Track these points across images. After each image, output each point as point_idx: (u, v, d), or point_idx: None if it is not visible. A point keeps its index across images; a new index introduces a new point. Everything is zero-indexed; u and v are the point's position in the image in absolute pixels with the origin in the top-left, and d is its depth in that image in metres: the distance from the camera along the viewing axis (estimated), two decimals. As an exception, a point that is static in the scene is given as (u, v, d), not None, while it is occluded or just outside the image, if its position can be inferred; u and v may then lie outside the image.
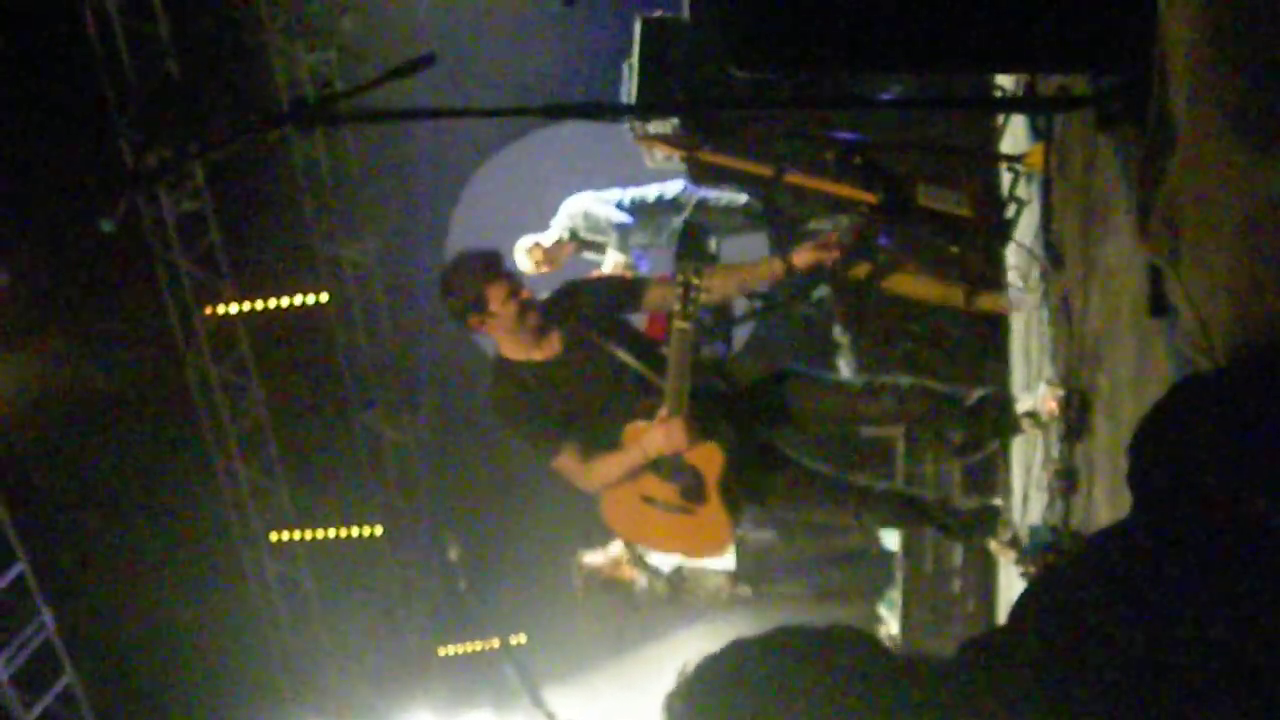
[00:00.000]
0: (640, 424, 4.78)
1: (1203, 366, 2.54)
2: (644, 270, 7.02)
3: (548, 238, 7.15)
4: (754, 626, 1.80)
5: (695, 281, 4.53)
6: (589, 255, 7.23)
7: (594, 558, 7.14)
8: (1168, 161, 2.61)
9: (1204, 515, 1.75)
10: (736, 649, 1.77)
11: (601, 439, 4.85)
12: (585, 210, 7.10)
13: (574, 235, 7.16)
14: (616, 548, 7.12)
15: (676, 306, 4.55)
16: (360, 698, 10.25)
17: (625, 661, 7.74)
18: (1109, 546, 1.81)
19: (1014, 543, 5.15)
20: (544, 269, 7.12)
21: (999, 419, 5.04)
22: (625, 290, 5.07)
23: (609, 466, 4.85)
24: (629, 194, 7.09)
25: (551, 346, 4.92)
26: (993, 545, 5.24)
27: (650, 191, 7.04)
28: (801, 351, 7.11)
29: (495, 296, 4.77)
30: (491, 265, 4.82)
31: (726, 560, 7.03)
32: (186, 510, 9.53)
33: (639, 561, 7.08)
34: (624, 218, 7.02)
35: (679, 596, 7.11)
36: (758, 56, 3.32)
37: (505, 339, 4.90)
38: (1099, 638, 1.66)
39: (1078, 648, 1.66)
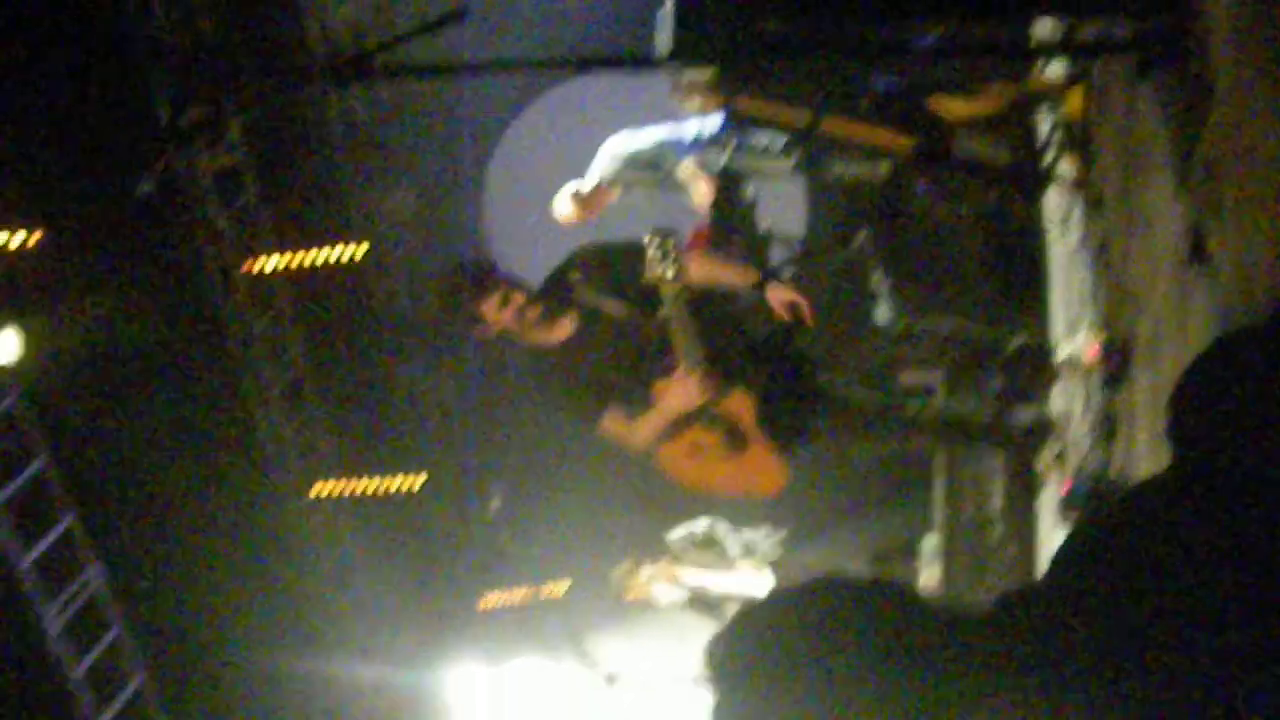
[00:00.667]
0: (665, 382, 4.90)
1: (1243, 320, 2.53)
2: None
3: (586, 184, 7.12)
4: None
5: (668, 244, 4.62)
6: (635, 196, 7.17)
7: (631, 576, 7.20)
8: (1210, 111, 2.59)
9: (1244, 471, 1.75)
10: (777, 599, 1.81)
11: (639, 399, 4.98)
12: (627, 150, 7.02)
13: (616, 178, 7.12)
14: (657, 571, 7.19)
15: (658, 270, 4.64)
16: (404, 647, 10.36)
17: (667, 609, 7.81)
18: (1148, 500, 1.82)
19: (1061, 458, 5.17)
20: (588, 215, 7.12)
21: (1037, 367, 5.08)
22: (624, 260, 5.12)
23: (646, 427, 5.00)
24: (666, 131, 7.02)
25: (565, 326, 5.04)
26: (1041, 463, 5.27)
27: (689, 129, 6.97)
28: (839, 299, 7.11)
29: (489, 309, 4.92)
30: (479, 280, 4.97)
31: (766, 585, 7.12)
32: (230, 463, 9.62)
33: (679, 586, 7.16)
34: (672, 136, 6.89)
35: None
36: (793, 5, 3.31)
37: (517, 333, 5.02)
38: (1137, 592, 1.67)
39: (1116, 601, 1.68)
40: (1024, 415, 5.36)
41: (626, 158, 7.01)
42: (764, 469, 5.21)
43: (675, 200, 6.99)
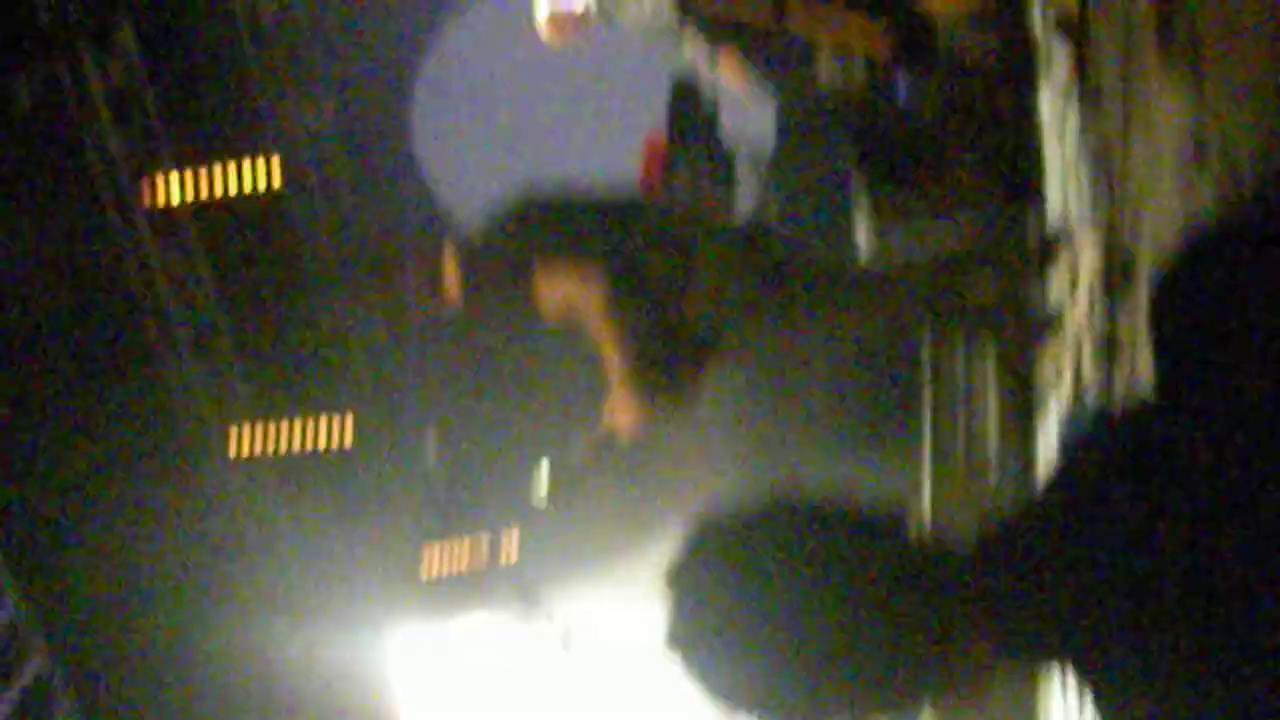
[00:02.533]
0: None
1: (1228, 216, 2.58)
2: None
3: (566, 5, 6.96)
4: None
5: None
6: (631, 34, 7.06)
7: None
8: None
9: (1232, 370, 1.77)
10: (738, 517, 1.88)
11: None
12: None
13: (603, 8, 6.96)
14: None
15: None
16: (340, 613, 10.40)
17: (626, 556, 7.91)
18: (1135, 427, 1.85)
19: (1060, 368, 5.23)
20: (561, 40, 7.01)
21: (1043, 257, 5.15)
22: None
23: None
24: None
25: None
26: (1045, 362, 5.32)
27: None
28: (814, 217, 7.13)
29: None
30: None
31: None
32: (135, 417, 9.59)
33: None
34: None
35: None
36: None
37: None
38: (1126, 524, 1.72)
39: (1109, 535, 1.72)
40: (1030, 301, 5.36)
41: None
42: None
43: (665, 50, 6.86)
